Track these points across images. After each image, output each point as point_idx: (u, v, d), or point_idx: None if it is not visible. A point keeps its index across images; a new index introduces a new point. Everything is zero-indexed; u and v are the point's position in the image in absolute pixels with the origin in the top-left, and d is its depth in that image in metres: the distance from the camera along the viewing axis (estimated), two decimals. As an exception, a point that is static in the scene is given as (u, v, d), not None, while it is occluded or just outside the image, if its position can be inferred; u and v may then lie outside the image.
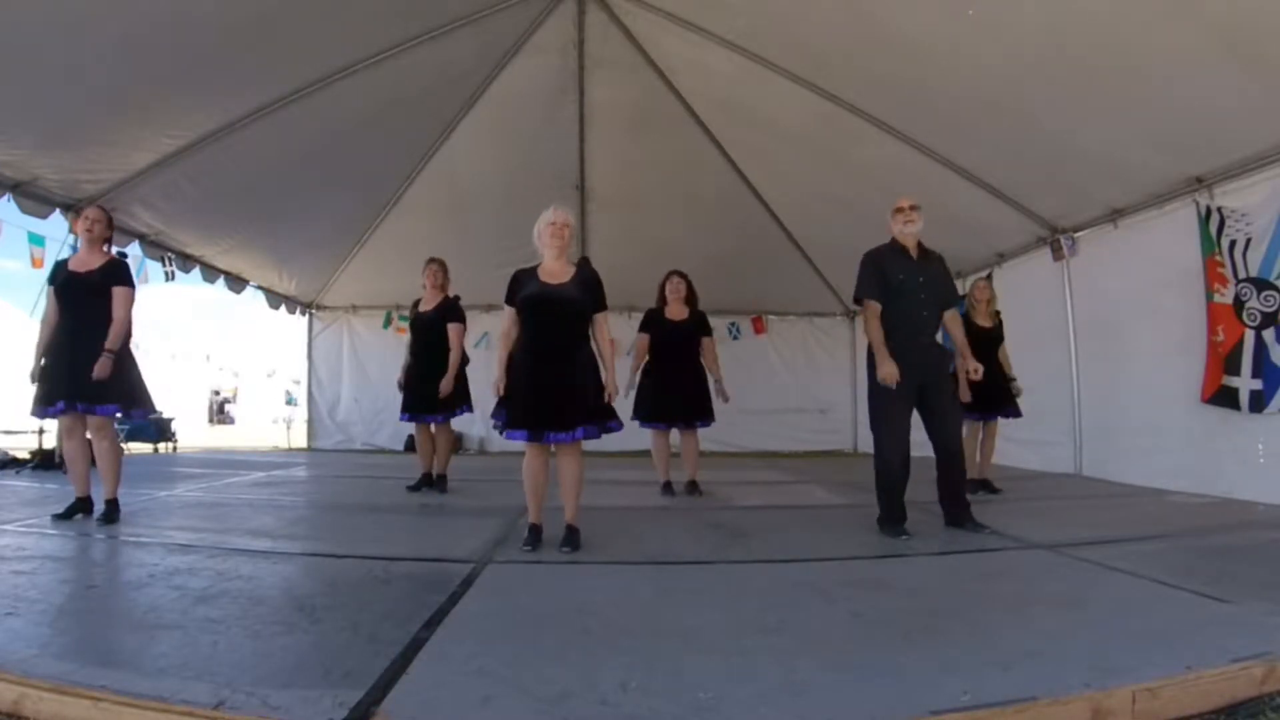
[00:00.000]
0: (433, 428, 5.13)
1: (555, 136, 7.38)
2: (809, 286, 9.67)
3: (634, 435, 5.29)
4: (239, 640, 1.87)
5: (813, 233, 8.63)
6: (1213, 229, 4.74)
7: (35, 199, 5.54)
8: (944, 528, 3.63)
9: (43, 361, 3.63)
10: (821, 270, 9.43)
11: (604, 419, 3.16)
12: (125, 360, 3.65)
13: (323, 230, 8.48)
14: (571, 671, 1.69)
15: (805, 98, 6.01)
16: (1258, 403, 4.47)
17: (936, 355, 3.67)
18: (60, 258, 5.98)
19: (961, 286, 7.01)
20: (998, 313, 5.10)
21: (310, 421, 10.22)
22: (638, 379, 5.02)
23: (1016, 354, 5.18)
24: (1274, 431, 4.40)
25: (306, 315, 10.21)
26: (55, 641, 1.84)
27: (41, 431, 6.53)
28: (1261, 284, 4.47)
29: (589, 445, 3.25)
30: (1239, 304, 4.59)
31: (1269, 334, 4.44)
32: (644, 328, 5.04)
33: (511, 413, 3.15)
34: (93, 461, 3.66)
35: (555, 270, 3.23)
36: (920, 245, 3.68)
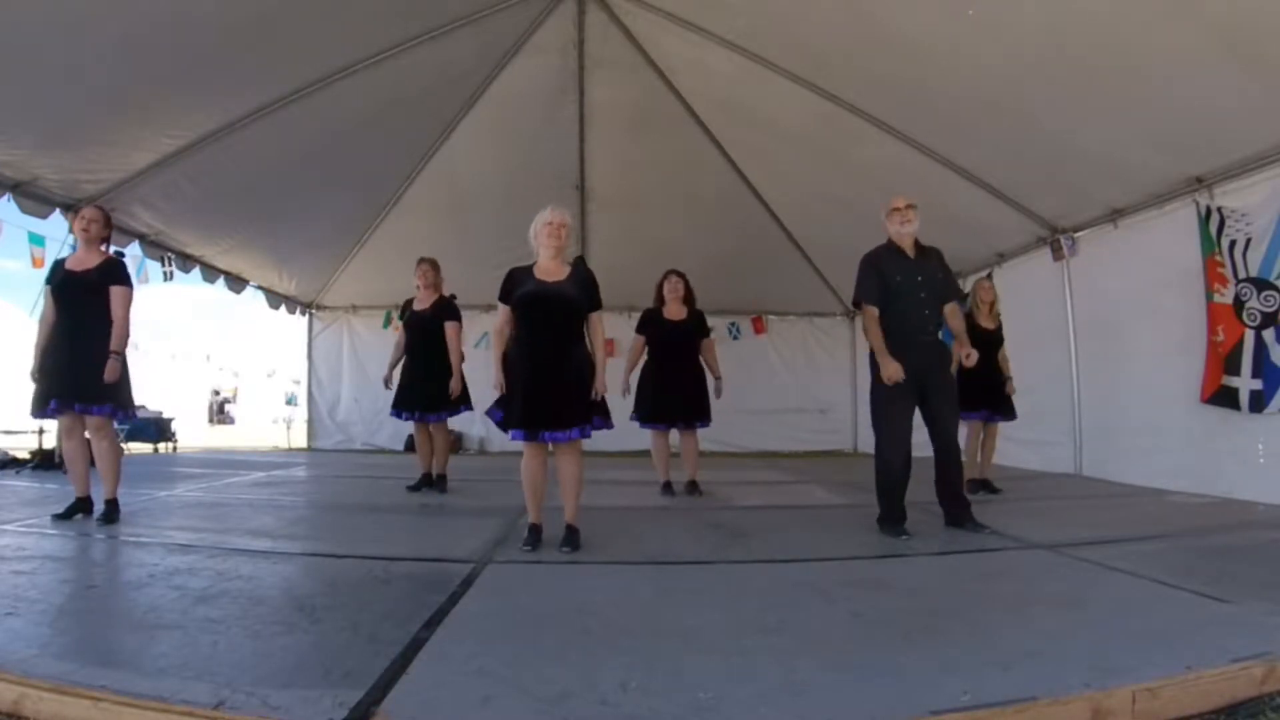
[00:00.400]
0: (430, 427, 5.13)
1: (555, 136, 7.39)
2: (809, 286, 9.67)
3: (634, 435, 5.30)
4: (239, 640, 1.87)
5: (813, 233, 8.64)
6: (1213, 229, 4.74)
7: (35, 199, 5.54)
8: (944, 527, 3.63)
9: (40, 361, 3.62)
10: (821, 270, 9.43)
11: (598, 415, 3.18)
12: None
13: (323, 230, 8.49)
14: (571, 671, 1.69)
15: (805, 98, 6.01)
16: (1258, 403, 4.47)
17: (938, 354, 3.65)
18: (59, 257, 5.98)
19: (962, 287, 7.02)
20: (999, 313, 5.11)
21: (310, 421, 10.22)
22: (635, 379, 5.02)
23: (1016, 354, 5.18)
24: (1274, 431, 4.40)
25: (306, 315, 10.21)
26: (55, 641, 1.84)
27: (41, 431, 6.53)
28: (1261, 284, 4.47)
29: (588, 445, 3.25)
30: (1239, 304, 4.59)
31: (1269, 334, 4.44)
32: (641, 328, 5.03)
33: (508, 412, 3.15)
34: (92, 461, 3.66)
35: (551, 269, 3.23)
36: (917, 243, 3.67)
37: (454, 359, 4.92)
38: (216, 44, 4.79)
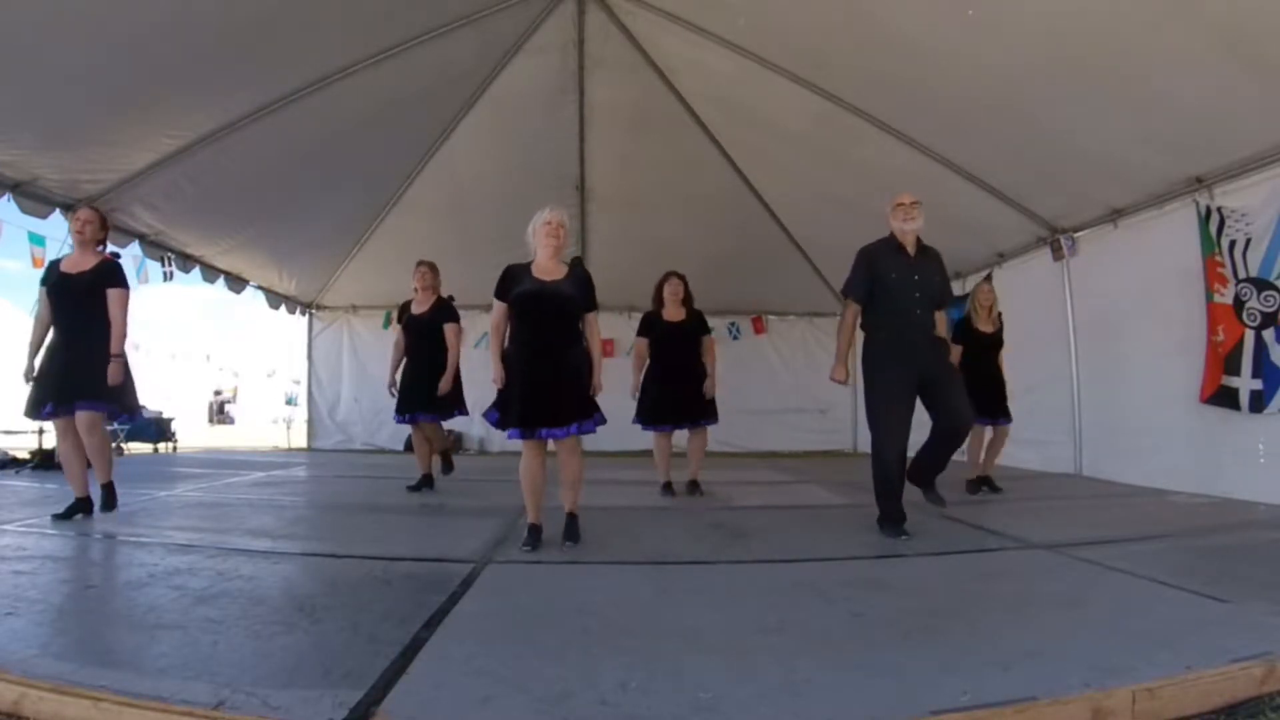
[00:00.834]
0: (426, 427, 5.13)
1: (555, 136, 7.38)
2: (809, 286, 9.66)
3: (633, 435, 5.29)
4: (239, 640, 1.87)
5: (813, 233, 8.63)
6: (1213, 229, 4.74)
7: (35, 199, 5.54)
8: (942, 527, 3.64)
9: (37, 363, 3.62)
10: (821, 270, 9.42)
11: (595, 411, 3.19)
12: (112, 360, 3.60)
13: (323, 230, 8.48)
14: (571, 671, 1.69)
15: (805, 98, 6.01)
16: (1258, 403, 4.47)
17: (934, 351, 3.61)
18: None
19: (962, 287, 7.02)
20: (999, 315, 5.10)
21: (310, 421, 10.22)
22: (640, 381, 5.01)
23: (1016, 354, 5.19)
24: (1274, 431, 4.40)
25: (306, 315, 10.21)
26: (55, 641, 1.85)
27: (41, 431, 6.53)
28: (1261, 284, 4.47)
29: (589, 445, 3.26)
30: (1239, 304, 4.59)
31: (1269, 334, 4.44)
32: (642, 332, 5.02)
33: (505, 411, 3.16)
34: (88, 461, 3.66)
35: (550, 268, 3.23)
36: (919, 242, 3.65)
37: (451, 361, 4.91)
38: (216, 44, 4.78)
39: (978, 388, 4.39)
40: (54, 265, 3.77)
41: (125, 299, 3.63)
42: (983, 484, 4.91)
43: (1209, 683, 1.61)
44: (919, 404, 3.55)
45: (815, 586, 2.54)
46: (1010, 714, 1.47)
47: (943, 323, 3.74)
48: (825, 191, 7.47)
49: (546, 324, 3.16)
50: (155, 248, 6.91)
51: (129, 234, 6.44)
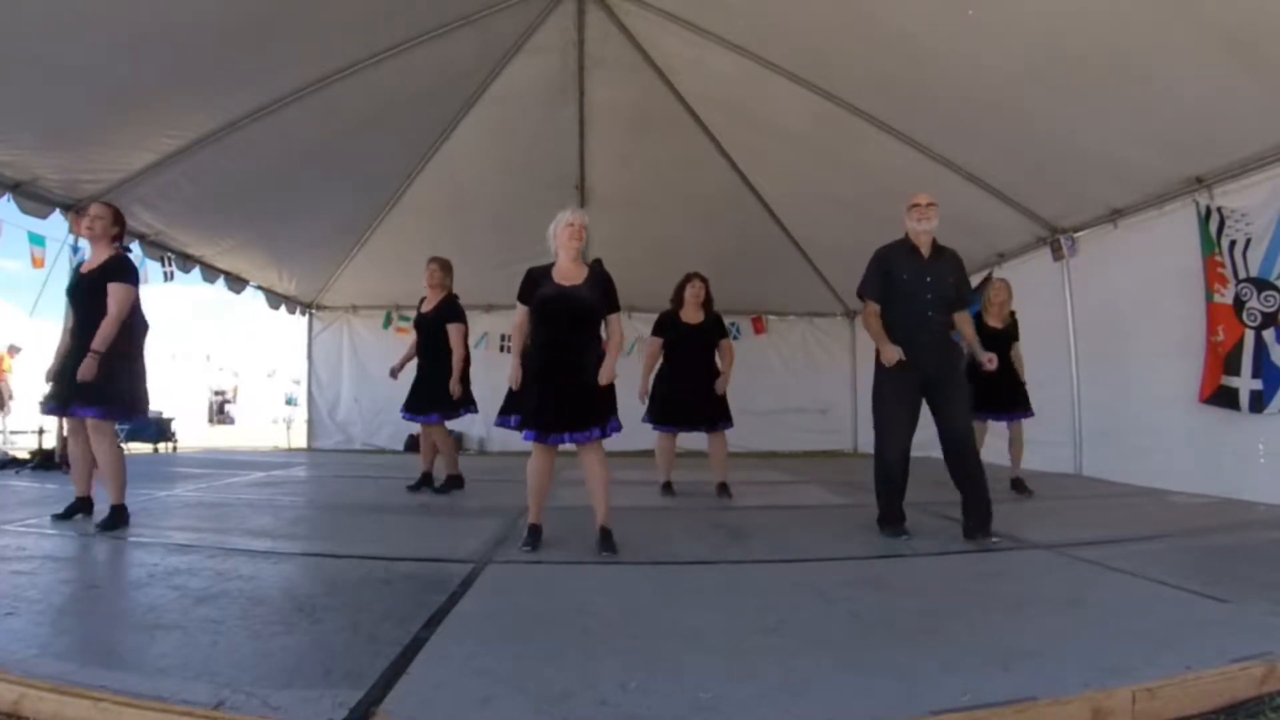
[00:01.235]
0: (432, 429, 5.11)
1: (555, 136, 7.38)
2: (809, 286, 9.67)
3: (632, 435, 5.28)
4: (239, 640, 1.87)
5: (813, 233, 8.63)
6: (1213, 229, 4.74)
7: (35, 199, 5.55)
8: (943, 527, 3.63)
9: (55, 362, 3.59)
10: (821, 270, 9.42)
11: (606, 421, 3.14)
12: (117, 361, 3.44)
13: (323, 230, 8.49)
14: (571, 671, 1.69)
15: (805, 98, 6.01)
16: (1257, 403, 4.47)
17: (943, 353, 3.56)
18: (59, 256, 5.97)
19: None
20: (1012, 313, 5.06)
21: (310, 421, 10.22)
22: (651, 381, 4.98)
23: (1016, 354, 5.17)
24: (1274, 431, 4.40)
25: (306, 315, 10.21)
26: (55, 641, 1.85)
27: (41, 431, 6.53)
28: (1261, 284, 4.47)
29: None
30: (1239, 304, 4.59)
31: (1269, 334, 4.44)
32: (658, 331, 4.99)
33: (523, 411, 3.15)
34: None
35: (570, 271, 3.23)
36: (935, 243, 3.61)
37: (455, 360, 4.86)
38: (216, 44, 4.78)
39: (987, 384, 4.35)
40: (77, 267, 3.71)
41: (124, 293, 3.44)
42: (1012, 486, 4.87)
43: (1209, 683, 1.61)
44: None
45: (815, 586, 2.54)
46: (1010, 714, 1.47)
47: (967, 322, 3.70)
48: (825, 191, 7.47)
49: (564, 328, 3.16)
50: (155, 248, 6.92)
51: (129, 234, 6.43)
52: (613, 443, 3.27)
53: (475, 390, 5.09)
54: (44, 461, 6.10)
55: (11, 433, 9.62)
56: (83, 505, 3.58)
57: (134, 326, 3.56)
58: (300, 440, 10.47)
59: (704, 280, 4.97)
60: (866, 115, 5.96)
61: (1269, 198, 4.43)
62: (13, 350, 10.26)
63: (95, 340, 3.34)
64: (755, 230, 8.50)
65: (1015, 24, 4.35)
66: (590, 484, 3.19)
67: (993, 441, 5.11)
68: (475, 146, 7.46)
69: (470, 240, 8.10)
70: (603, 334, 3.29)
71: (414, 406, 4.99)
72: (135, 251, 6.56)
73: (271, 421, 17.82)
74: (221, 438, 15.34)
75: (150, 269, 7.01)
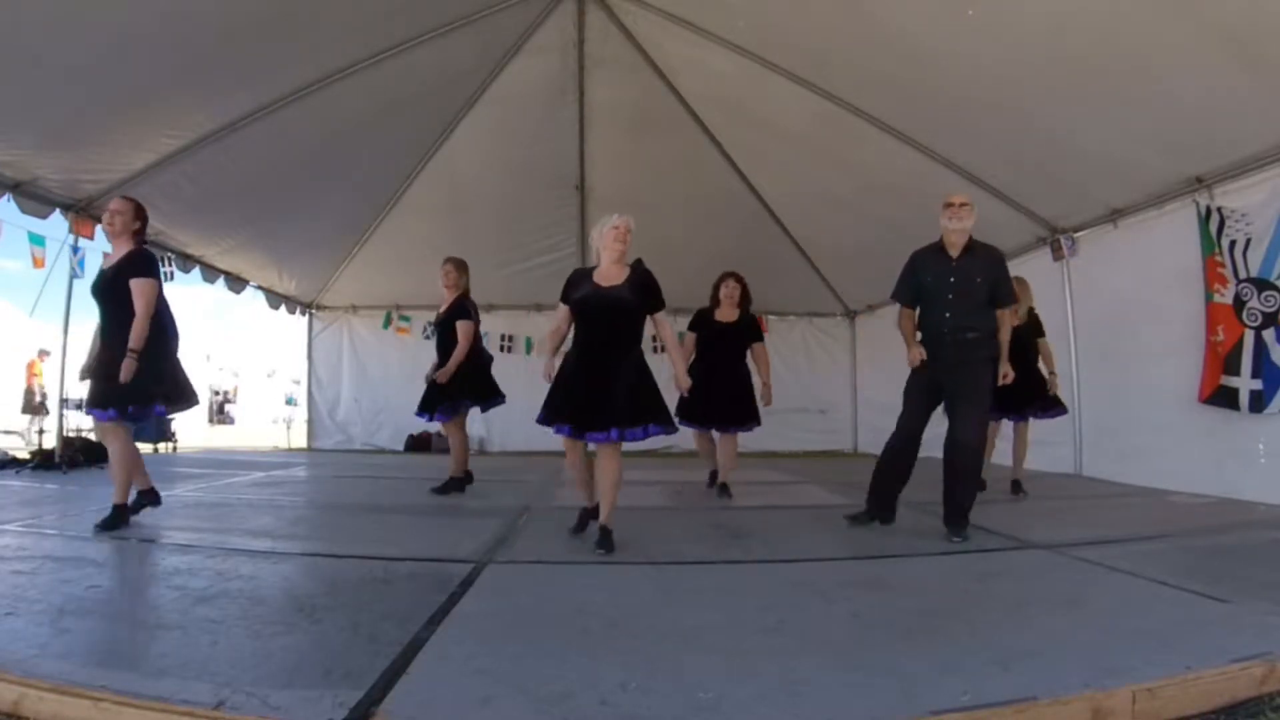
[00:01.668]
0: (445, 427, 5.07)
1: (555, 136, 7.39)
2: (809, 286, 9.67)
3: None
4: (239, 640, 1.87)
5: (813, 233, 8.64)
6: (1213, 229, 4.74)
7: (35, 199, 5.55)
8: (942, 527, 3.63)
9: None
10: (821, 270, 9.43)
11: (649, 421, 3.07)
12: (142, 358, 3.28)
13: (323, 230, 8.49)
14: (571, 671, 1.69)
15: (805, 98, 6.01)
16: (1257, 403, 4.47)
17: (959, 357, 3.51)
18: (59, 256, 5.95)
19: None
20: (1031, 309, 4.98)
21: (310, 421, 10.22)
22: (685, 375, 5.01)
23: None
24: (1274, 431, 4.40)
25: (306, 315, 10.20)
26: (55, 641, 1.84)
27: (41, 432, 6.53)
28: (1261, 284, 4.47)
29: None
30: (1239, 304, 4.58)
31: (1269, 334, 4.44)
32: (693, 327, 5.05)
33: (553, 408, 3.18)
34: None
35: (611, 273, 3.25)
36: (968, 243, 3.56)
37: (455, 356, 4.79)
38: (216, 44, 4.79)
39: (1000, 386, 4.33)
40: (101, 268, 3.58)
41: (147, 289, 3.29)
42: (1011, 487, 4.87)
43: (1209, 683, 1.61)
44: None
45: (815, 586, 2.54)
46: (1010, 714, 1.47)
47: (1004, 326, 3.66)
48: (825, 192, 7.47)
49: (602, 328, 3.19)
50: (155, 248, 6.90)
51: (133, 232, 6.44)
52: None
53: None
54: (44, 461, 6.10)
55: (6, 432, 9.62)
56: (148, 498, 3.56)
57: (160, 321, 3.41)
58: (300, 440, 10.47)
59: (739, 280, 4.99)
60: (866, 115, 5.97)
61: (1269, 198, 4.43)
62: (43, 354, 10.31)
63: (133, 339, 3.24)
64: (755, 230, 8.50)
65: (1015, 24, 4.36)
66: (599, 483, 3.20)
67: (1001, 444, 5.13)
68: (475, 146, 7.47)
69: (470, 240, 8.06)
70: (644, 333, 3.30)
71: (423, 406, 4.94)
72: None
73: (271, 421, 17.79)
74: (221, 438, 15.33)
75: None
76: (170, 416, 10.81)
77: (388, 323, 9.95)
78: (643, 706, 1.51)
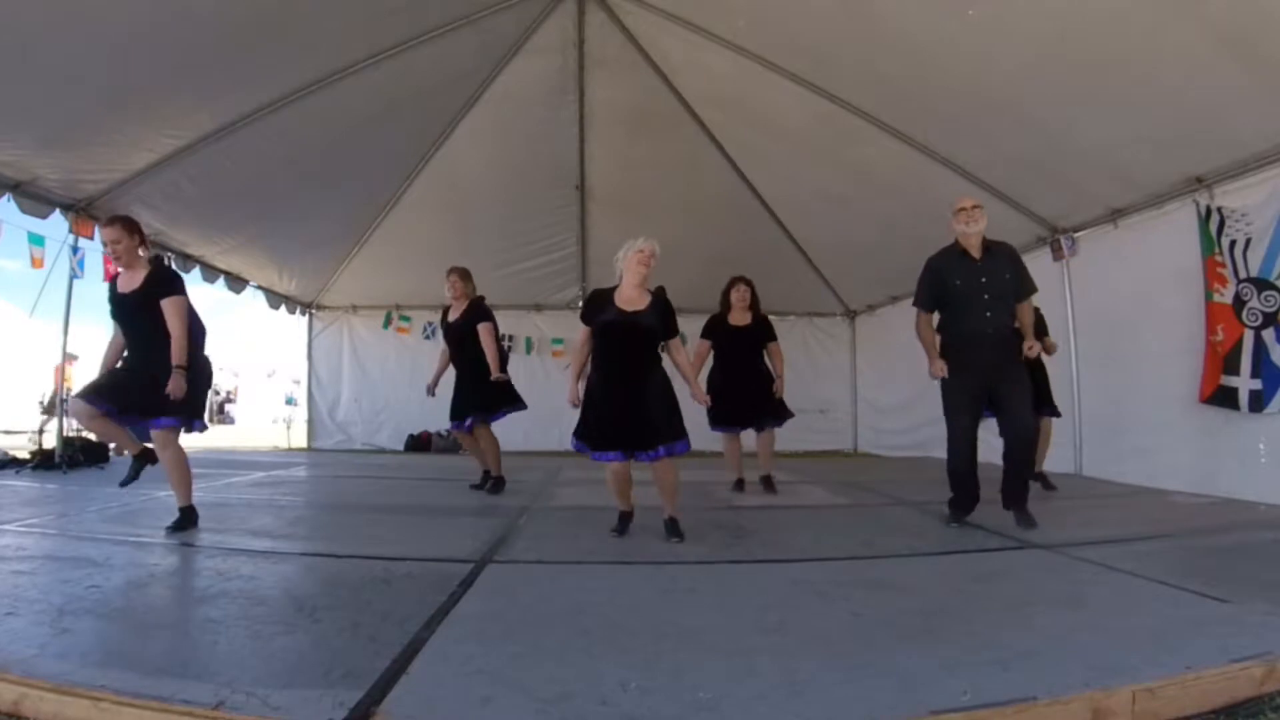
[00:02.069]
0: (476, 430, 5.08)
1: (555, 136, 7.39)
2: (809, 286, 9.67)
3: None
4: (239, 640, 1.87)
5: (813, 233, 8.63)
6: (1213, 229, 4.74)
7: (35, 199, 5.55)
8: (943, 527, 3.64)
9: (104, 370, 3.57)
10: (821, 270, 9.43)
11: (674, 439, 3.27)
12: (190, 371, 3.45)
13: (323, 230, 8.49)
14: (571, 671, 1.69)
15: (805, 98, 6.01)
16: (1257, 403, 4.47)
17: (1003, 352, 3.61)
18: (59, 256, 5.94)
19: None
20: (1036, 308, 5.04)
21: (310, 421, 10.22)
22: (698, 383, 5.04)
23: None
24: (1274, 431, 4.40)
25: (306, 315, 10.20)
26: (55, 641, 1.84)
27: (41, 432, 6.53)
28: (1261, 284, 4.47)
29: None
30: (1239, 304, 4.58)
31: (1268, 334, 4.44)
32: (707, 334, 5.08)
33: (595, 436, 3.26)
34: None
35: (633, 297, 3.31)
36: (985, 241, 3.67)
37: (491, 356, 4.85)
38: (216, 44, 4.79)
39: None
40: (113, 283, 3.58)
41: (181, 306, 3.42)
42: (1036, 480, 4.90)
43: (1209, 683, 1.61)
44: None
45: (815, 586, 2.54)
46: (1010, 714, 1.47)
47: (1026, 311, 3.76)
48: (825, 191, 7.47)
49: (625, 353, 3.28)
50: (155, 248, 6.91)
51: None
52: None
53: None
54: (44, 461, 6.10)
55: (6, 432, 9.61)
56: (146, 456, 3.52)
57: (192, 334, 3.50)
58: (300, 440, 10.47)
59: (748, 283, 5.08)
60: (866, 115, 5.97)
61: (1269, 198, 4.43)
62: (70, 359, 10.31)
63: (176, 356, 3.34)
64: (755, 230, 8.50)
65: (1015, 24, 4.36)
66: (661, 488, 3.40)
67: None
68: (475, 146, 7.47)
69: (470, 240, 8.11)
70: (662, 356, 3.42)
71: (457, 413, 5.02)
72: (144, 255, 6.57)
73: (271, 421, 17.80)
74: (221, 438, 15.34)
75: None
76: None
77: (388, 323, 9.95)
78: (643, 706, 1.51)
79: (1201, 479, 4.74)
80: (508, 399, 4.98)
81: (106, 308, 3.55)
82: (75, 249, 6.11)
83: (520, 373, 4.88)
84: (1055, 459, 6.20)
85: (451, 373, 5.18)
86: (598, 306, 3.33)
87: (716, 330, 5.05)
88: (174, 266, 7.22)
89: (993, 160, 5.84)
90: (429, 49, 5.88)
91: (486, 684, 1.61)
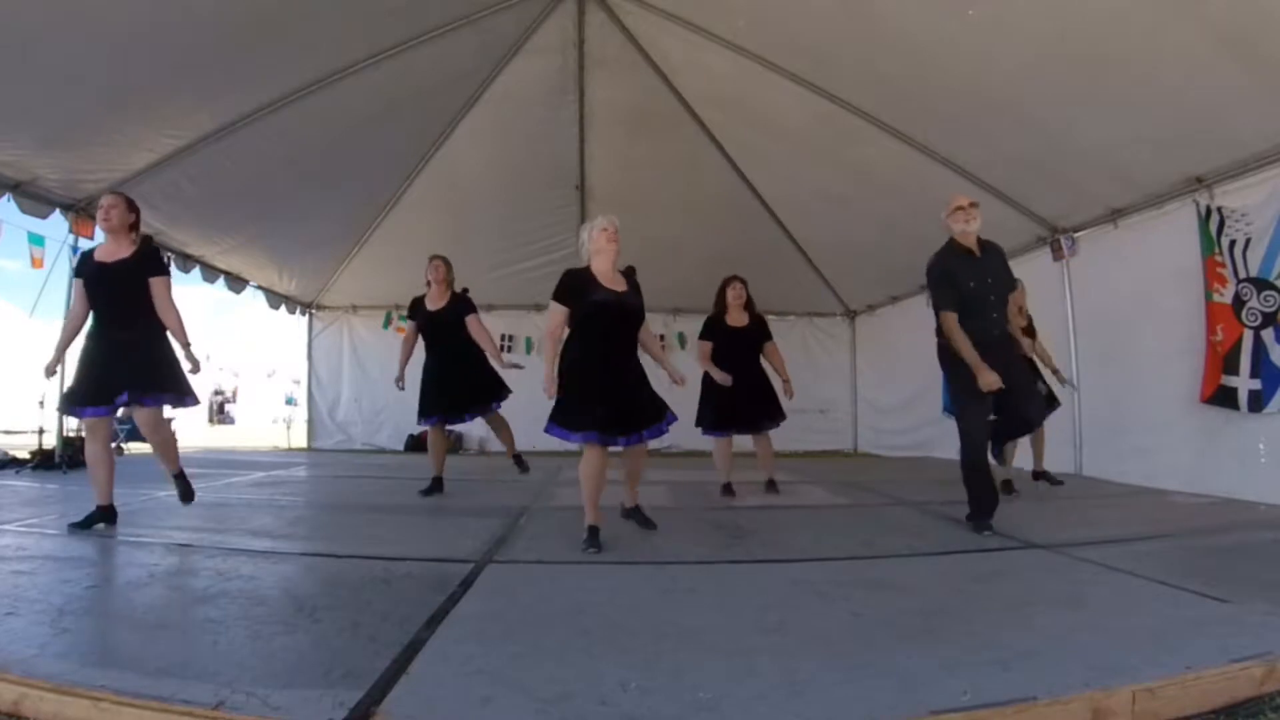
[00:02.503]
0: (491, 419, 5.03)
1: (555, 136, 7.39)
2: (809, 286, 9.67)
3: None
4: (239, 640, 1.87)
5: (813, 233, 8.64)
6: (1213, 229, 4.74)
7: (35, 199, 5.55)
8: (943, 526, 3.64)
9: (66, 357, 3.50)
10: (821, 270, 9.43)
11: (666, 414, 3.31)
12: (166, 348, 3.48)
13: (323, 230, 8.49)
14: (571, 671, 1.69)
15: (805, 98, 6.01)
16: (1256, 403, 4.47)
17: (1008, 348, 3.66)
18: (59, 256, 5.93)
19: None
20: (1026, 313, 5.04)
21: (310, 421, 10.23)
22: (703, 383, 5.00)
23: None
24: (1274, 431, 4.40)
25: (306, 315, 10.21)
26: (55, 641, 1.84)
27: (41, 431, 6.53)
28: (1261, 284, 4.47)
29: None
30: (1239, 304, 4.59)
31: (1268, 334, 4.44)
32: (705, 335, 5.02)
33: (579, 416, 3.14)
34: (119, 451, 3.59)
35: (614, 278, 3.27)
36: (979, 241, 3.67)
37: (487, 346, 4.78)
38: (216, 44, 4.79)
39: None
40: (87, 256, 3.52)
41: (169, 285, 3.47)
42: (1039, 477, 4.90)
43: (1209, 683, 1.61)
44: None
45: (815, 586, 2.54)
46: (1010, 714, 1.47)
47: (1018, 305, 3.78)
48: (825, 191, 7.47)
49: (617, 334, 3.24)
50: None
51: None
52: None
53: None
54: (44, 461, 6.10)
55: (6, 432, 9.61)
56: (105, 515, 3.39)
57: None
58: (300, 440, 10.47)
59: (743, 282, 5.02)
60: (866, 115, 5.97)
61: (1269, 198, 4.43)
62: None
63: (179, 334, 3.44)
64: (755, 230, 8.51)
65: (1015, 24, 4.36)
66: (630, 478, 3.50)
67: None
68: (475, 146, 7.47)
69: (470, 240, 8.10)
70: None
71: (460, 407, 4.88)
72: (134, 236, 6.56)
73: (271, 421, 17.79)
74: (221, 438, 15.34)
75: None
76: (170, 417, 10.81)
77: (388, 323, 9.95)
78: (643, 706, 1.51)
79: (1201, 479, 4.74)
80: (504, 385, 4.91)
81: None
82: (75, 249, 6.11)
83: (521, 373, 4.85)
84: (1055, 459, 6.20)
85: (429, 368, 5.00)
86: (580, 287, 3.19)
87: (716, 331, 4.98)
88: (174, 267, 7.23)
89: (993, 160, 5.84)
90: (429, 49, 5.89)
91: (486, 684, 1.61)
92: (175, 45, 4.63)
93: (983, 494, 3.59)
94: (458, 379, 4.83)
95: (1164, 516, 4.07)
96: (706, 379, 4.96)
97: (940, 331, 3.67)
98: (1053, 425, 6.15)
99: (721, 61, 6.11)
